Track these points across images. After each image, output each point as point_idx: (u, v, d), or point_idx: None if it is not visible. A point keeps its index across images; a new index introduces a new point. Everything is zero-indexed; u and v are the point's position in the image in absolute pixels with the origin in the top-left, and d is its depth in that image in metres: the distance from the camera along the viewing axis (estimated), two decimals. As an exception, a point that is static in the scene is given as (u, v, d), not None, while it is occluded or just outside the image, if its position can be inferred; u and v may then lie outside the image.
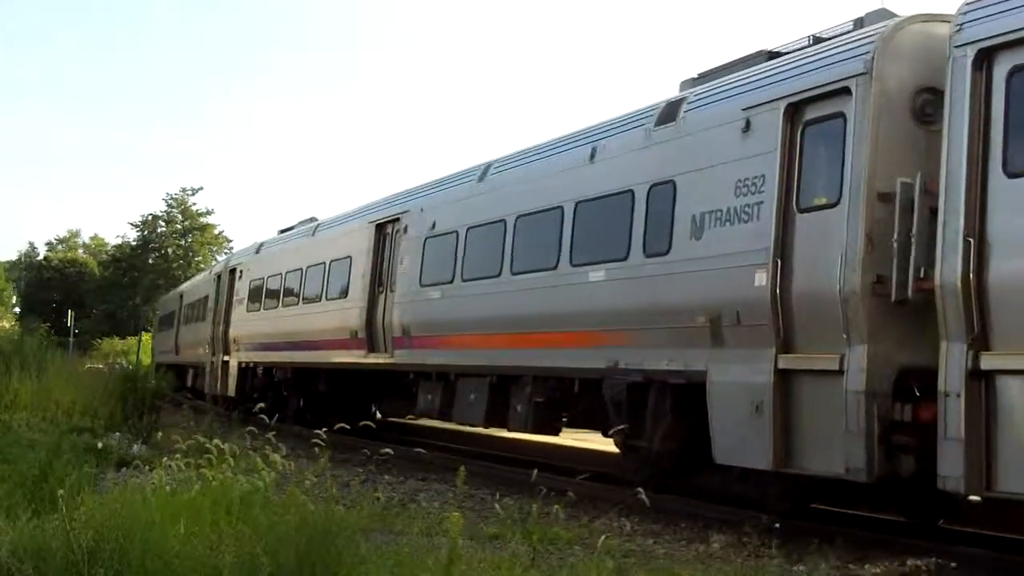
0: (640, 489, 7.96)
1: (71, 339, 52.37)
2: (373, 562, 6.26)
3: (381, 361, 17.46)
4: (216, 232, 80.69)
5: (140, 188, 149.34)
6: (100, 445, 12.14)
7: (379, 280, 17.84)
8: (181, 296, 38.62)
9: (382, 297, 17.59)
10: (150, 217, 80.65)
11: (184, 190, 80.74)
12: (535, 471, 8.34)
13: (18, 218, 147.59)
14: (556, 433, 14.58)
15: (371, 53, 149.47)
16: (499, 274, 14.11)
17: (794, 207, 9.27)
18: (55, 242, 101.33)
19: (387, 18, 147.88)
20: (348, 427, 9.08)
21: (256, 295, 24.67)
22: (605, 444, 14.72)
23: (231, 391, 25.17)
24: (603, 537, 6.64)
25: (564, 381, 12.88)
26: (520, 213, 13.84)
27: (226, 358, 26.04)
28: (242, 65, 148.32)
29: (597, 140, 12.76)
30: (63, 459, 8.55)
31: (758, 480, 9.78)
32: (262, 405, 12.53)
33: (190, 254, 79.14)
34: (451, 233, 15.55)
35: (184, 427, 12.48)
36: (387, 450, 8.96)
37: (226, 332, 26.44)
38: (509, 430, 14.95)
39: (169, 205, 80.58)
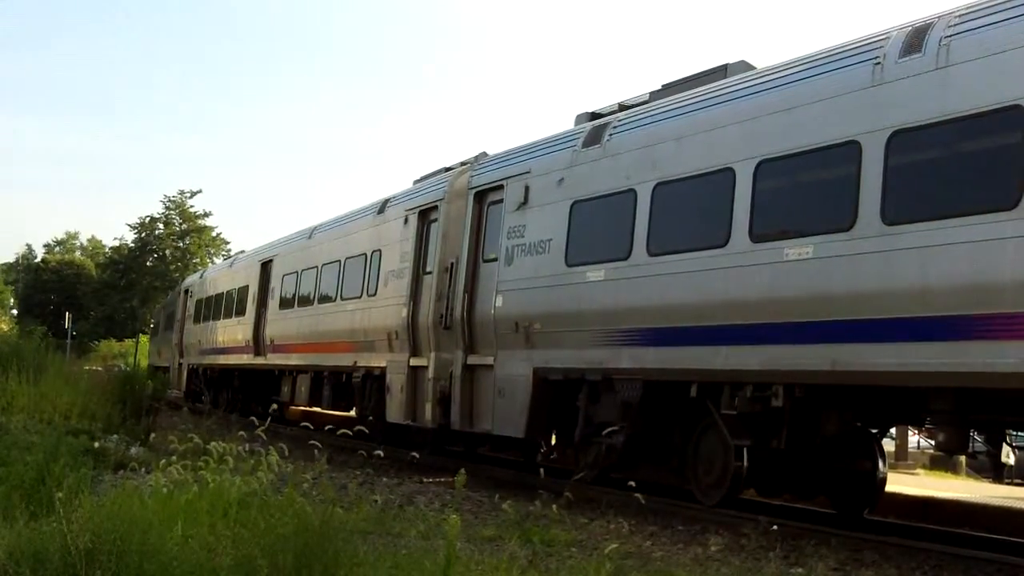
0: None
1: (68, 341, 52.31)
2: (371, 564, 6.25)
3: None
4: (214, 234, 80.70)
5: (138, 191, 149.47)
6: (97, 447, 12.10)
7: None
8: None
9: None
10: (148, 219, 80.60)
11: (182, 192, 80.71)
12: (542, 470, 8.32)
13: (16, 220, 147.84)
14: None
15: (369, 54, 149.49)
16: None
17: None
18: (53, 244, 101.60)
19: (386, 19, 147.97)
20: None
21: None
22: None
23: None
24: (612, 545, 6.61)
25: None
26: None
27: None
28: (241, 67, 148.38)
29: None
30: (60, 461, 8.51)
31: None
32: None
33: (188, 256, 79.05)
34: None
35: (182, 429, 12.44)
36: (378, 452, 8.91)
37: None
38: None
39: (167, 207, 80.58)
